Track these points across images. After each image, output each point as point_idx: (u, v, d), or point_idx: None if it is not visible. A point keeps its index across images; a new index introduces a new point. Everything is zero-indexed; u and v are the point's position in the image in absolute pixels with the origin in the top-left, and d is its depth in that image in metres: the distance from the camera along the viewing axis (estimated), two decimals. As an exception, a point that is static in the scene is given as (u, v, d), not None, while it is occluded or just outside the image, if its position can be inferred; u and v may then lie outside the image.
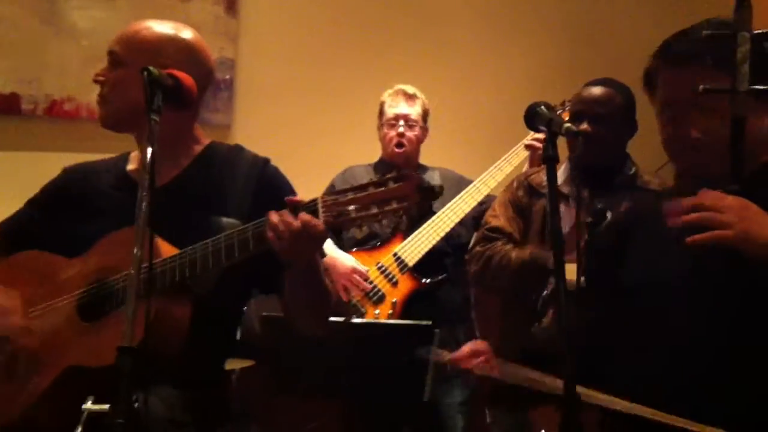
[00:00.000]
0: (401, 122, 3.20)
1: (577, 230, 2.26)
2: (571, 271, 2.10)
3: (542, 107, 1.64)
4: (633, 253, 1.69)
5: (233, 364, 2.79)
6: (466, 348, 1.81)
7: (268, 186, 1.82)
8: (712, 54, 1.53)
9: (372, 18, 4.02)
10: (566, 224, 2.45)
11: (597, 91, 2.60)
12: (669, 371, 1.53)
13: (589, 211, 2.21)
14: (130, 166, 1.91)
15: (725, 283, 1.46)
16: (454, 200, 3.07)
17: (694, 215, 1.36)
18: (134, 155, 1.93)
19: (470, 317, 3.15)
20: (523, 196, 2.70)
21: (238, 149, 1.93)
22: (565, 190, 2.59)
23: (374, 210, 1.51)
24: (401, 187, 1.50)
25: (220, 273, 1.66)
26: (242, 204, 1.77)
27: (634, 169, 2.65)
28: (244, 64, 3.92)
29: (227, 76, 3.90)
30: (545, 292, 2.36)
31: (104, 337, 1.64)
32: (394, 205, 1.50)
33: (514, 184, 2.77)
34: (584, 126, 2.54)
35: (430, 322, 2.56)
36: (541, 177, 2.69)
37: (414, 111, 3.22)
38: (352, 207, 1.53)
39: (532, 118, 1.63)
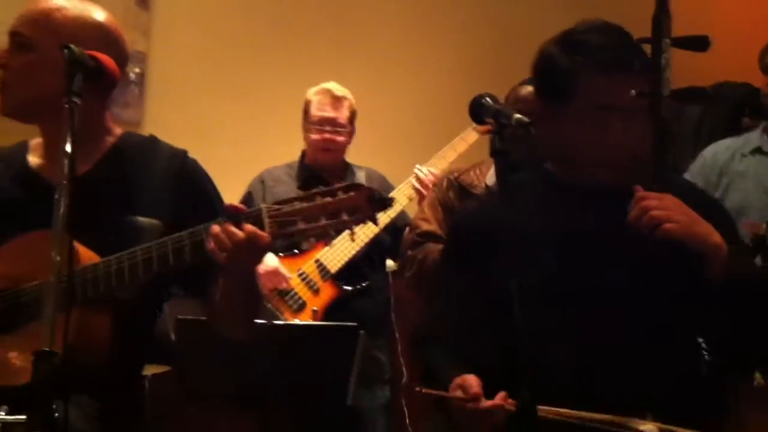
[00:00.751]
0: (327, 126, 3.09)
1: None
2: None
3: (487, 99, 1.58)
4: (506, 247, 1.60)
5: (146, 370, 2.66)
6: (473, 382, 1.60)
7: (189, 181, 1.72)
8: (641, 63, 1.56)
9: (290, 13, 3.93)
10: None
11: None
12: (587, 368, 1.54)
13: None
14: (32, 159, 1.75)
15: (649, 277, 1.53)
16: (379, 206, 2.97)
17: (647, 217, 1.46)
18: (35, 145, 1.77)
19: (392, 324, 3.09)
20: (453, 197, 2.63)
21: (153, 141, 1.82)
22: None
23: (323, 221, 1.42)
24: (351, 197, 1.41)
25: (151, 279, 1.56)
26: (161, 201, 1.66)
27: None
28: (156, 59, 3.78)
29: (138, 71, 3.73)
30: None
31: (16, 351, 1.53)
32: (345, 218, 1.41)
33: (444, 184, 2.69)
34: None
35: (355, 324, 2.49)
36: (471, 177, 2.63)
37: (341, 114, 3.12)
38: (299, 218, 1.43)
39: (478, 110, 1.57)
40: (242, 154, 3.63)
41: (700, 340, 1.55)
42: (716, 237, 1.49)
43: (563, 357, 1.55)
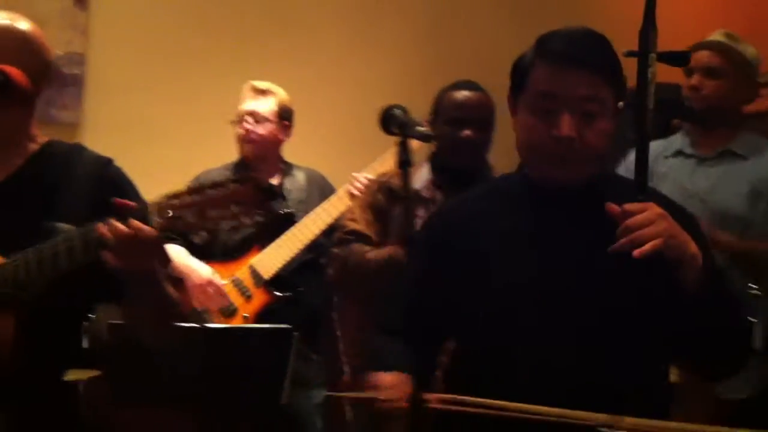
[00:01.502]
0: (248, 118, 3.08)
1: None
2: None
3: (396, 110, 1.63)
4: (471, 251, 1.69)
5: (80, 375, 2.65)
6: (389, 382, 1.65)
7: (109, 188, 1.69)
8: (597, 62, 1.59)
9: (232, 14, 3.88)
10: None
11: (474, 96, 2.61)
12: (543, 369, 1.57)
13: None
14: None
15: (609, 278, 1.55)
16: (316, 210, 2.97)
17: (631, 236, 1.45)
18: None
19: (327, 329, 3.08)
20: (382, 200, 2.67)
21: (79, 149, 1.81)
22: (426, 193, 2.58)
23: (212, 214, 1.44)
24: (239, 189, 1.44)
25: (50, 280, 1.55)
26: (80, 208, 1.65)
27: (491, 173, 2.67)
28: (94, 60, 3.72)
29: (76, 72, 3.69)
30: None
31: None
32: (234, 210, 1.43)
33: (374, 188, 2.73)
34: (468, 132, 2.55)
35: (289, 326, 2.50)
36: (397, 181, 2.67)
37: (262, 106, 3.10)
38: (187, 211, 1.44)
39: (387, 120, 1.62)
40: (182, 155, 3.59)
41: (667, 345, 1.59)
42: (693, 247, 1.50)
43: (525, 354, 1.58)
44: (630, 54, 1.59)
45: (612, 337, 1.56)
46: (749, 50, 2.80)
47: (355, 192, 2.92)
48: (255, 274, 2.93)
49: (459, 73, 3.80)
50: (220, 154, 3.28)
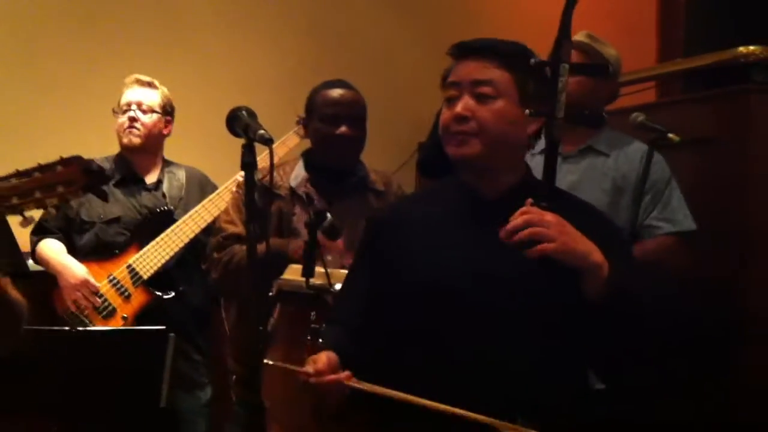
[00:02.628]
0: (134, 107, 3.03)
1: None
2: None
3: (243, 112, 1.68)
4: (403, 255, 1.78)
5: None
6: (323, 359, 1.73)
7: None
8: (495, 52, 1.74)
9: (104, 5, 3.82)
10: (302, 226, 2.48)
11: (347, 94, 2.64)
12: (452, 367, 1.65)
13: (312, 212, 2.25)
14: None
15: (513, 283, 1.65)
16: (196, 208, 2.97)
17: (525, 232, 1.54)
18: None
19: (209, 329, 3.08)
20: (257, 198, 2.67)
21: None
22: (301, 191, 2.62)
23: (38, 195, 1.49)
24: (67, 171, 1.49)
25: None
26: None
27: (365, 172, 2.71)
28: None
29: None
30: (270, 293, 2.36)
31: None
32: (61, 190, 1.49)
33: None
34: (343, 129, 2.58)
35: (164, 327, 2.48)
36: (275, 178, 2.68)
37: (148, 97, 3.07)
38: (14, 193, 1.49)
39: (232, 122, 1.67)
40: (52, 148, 3.49)
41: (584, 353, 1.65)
42: (596, 256, 1.56)
43: (441, 359, 1.66)
44: (539, 64, 1.68)
45: (525, 339, 1.64)
46: (610, 51, 2.93)
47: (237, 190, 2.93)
48: (134, 274, 2.90)
49: (339, 69, 3.85)
50: (93, 147, 3.14)
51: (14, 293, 1.70)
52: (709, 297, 2.98)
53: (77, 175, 1.48)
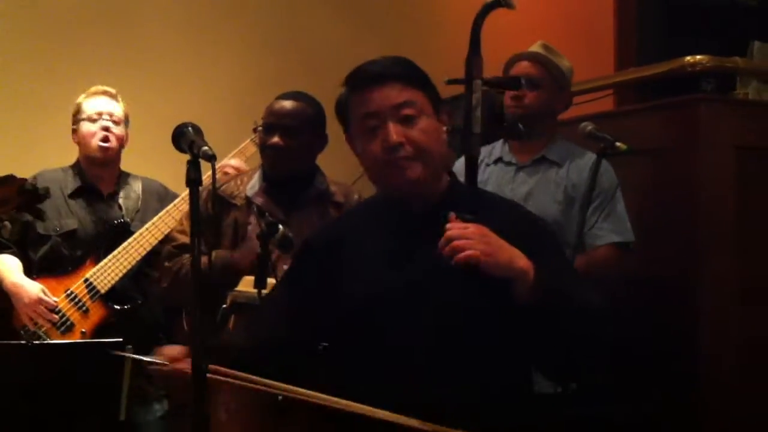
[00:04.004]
0: (105, 116, 3.02)
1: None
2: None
3: (189, 129, 1.71)
4: (332, 269, 1.81)
5: None
6: (175, 348, 1.81)
7: None
8: (400, 74, 1.74)
9: (71, 20, 3.81)
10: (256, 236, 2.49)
11: (288, 104, 2.66)
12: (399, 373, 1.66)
13: (262, 222, 2.28)
14: None
15: (448, 291, 1.66)
16: (153, 220, 2.97)
17: (449, 246, 1.57)
18: None
19: (168, 340, 3.08)
20: (212, 208, 2.68)
21: None
22: (258, 201, 2.63)
23: None
24: (3, 190, 1.50)
25: None
26: None
27: (326, 184, 2.73)
28: None
29: None
30: (224, 306, 2.39)
31: None
32: None
33: (203, 195, 2.74)
34: (275, 139, 2.61)
35: (120, 339, 2.40)
36: (232, 187, 2.72)
37: (117, 109, 3.07)
38: None
39: (177, 138, 1.70)
40: (16, 163, 3.51)
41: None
42: (521, 262, 1.58)
43: (371, 371, 1.68)
44: (453, 82, 1.72)
45: (461, 346, 1.66)
46: (564, 62, 2.99)
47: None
48: (91, 288, 2.89)
49: (298, 79, 3.87)
50: (53, 158, 3.22)
51: None
52: (661, 295, 3.07)
53: (11, 195, 1.49)
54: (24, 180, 1.50)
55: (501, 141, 3.04)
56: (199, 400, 1.50)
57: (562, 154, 2.92)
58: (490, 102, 3.46)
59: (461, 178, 2.79)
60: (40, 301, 2.82)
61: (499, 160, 2.98)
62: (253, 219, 2.61)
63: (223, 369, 1.63)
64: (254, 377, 1.61)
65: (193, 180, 1.60)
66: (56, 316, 2.85)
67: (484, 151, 3.02)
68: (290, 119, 2.63)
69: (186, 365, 1.69)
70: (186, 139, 1.68)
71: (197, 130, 1.72)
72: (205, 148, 1.63)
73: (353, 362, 1.73)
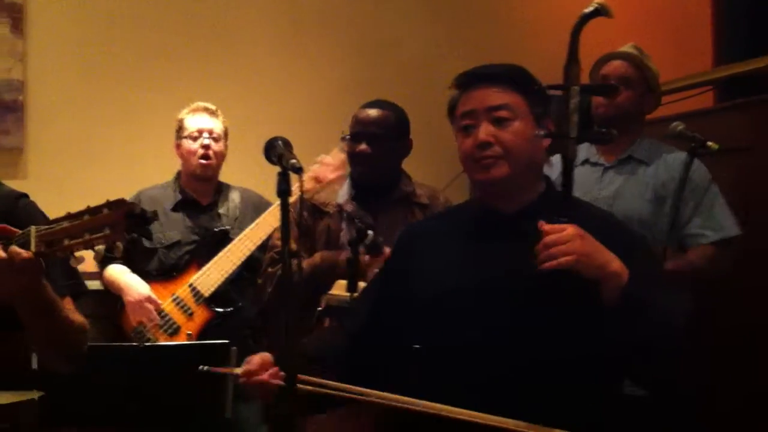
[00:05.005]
0: (205, 134, 3.17)
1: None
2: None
3: (279, 142, 1.81)
4: (419, 268, 1.88)
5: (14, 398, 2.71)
6: (256, 359, 1.88)
7: (18, 222, 1.75)
8: (501, 77, 1.83)
9: (166, 36, 3.99)
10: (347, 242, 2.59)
11: (372, 113, 2.74)
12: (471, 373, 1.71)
13: (352, 228, 2.36)
14: None
15: (527, 293, 1.70)
16: (251, 226, 3.10)
17: (545, 253, 1.60)
18: None
19: (269, 341, 3.20)
20: (307, 217, 2.79)
21: None
22: (348, 208, 2.73)
23: (86, 236, 1.58)
24: (111, 214, 1.58)
25: None
26: None
27: (411, 187, 2.80)
28: (33, 85, 3.81)
29: (17, 98, 3.77)
30: (319, 308, 2.48)
31: None
32: (107, 232, 1.57)
33: (298, 205, 2.85)
34: (362, 147, 2.70)
35: (227, 341, 2.57)
36: (323, 197, 2.83)
37: (217, 125, 3.21)
38: (65, 236, 1.58)
39: (268, 150, 1.80)
40: (121, 173, 3.73)
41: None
42: (615, 265, 1.60)
43: (456, 373, 1.73)
44: (552, 87, 1.78)
45: (544, 349, 1.68)
46: (652, 63, 2.99)
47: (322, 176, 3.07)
48: (195, 292, 3.04)
49: (393, 85, 3.96)
50: (157, 173, 3.39)
51: (76, 316, 1.81)
52: (752, 296, 3.00)
53: (121, 219, 1.57)
54: (133, 204, 1.59)
55: (587, 143, 3.03)
56: (287, 405, 1.57)
57: (650, 153, 2.91)
58: (582, 105, 3.49)
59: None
60: (148, 299, 2.99)
61: (585, 161, 2.98)
62: (344, 226, 2.71)
63: (311, 379, 1.73)
64: (342, 385, 1.70)
65: (283, 191, 1.69)
66: (158, 318, 3.00)
67: (572, 153, 3.04)
68: (375, 127, 2.72)
69: (264, 377, 1.81)
70: (276, 152, 1.78)
71: (286, 144, 1.81)
72: (293, 160, 1.72)
73: (437, 361, 1.78)
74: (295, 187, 1.73)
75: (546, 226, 1.62)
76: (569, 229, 1.61)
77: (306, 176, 2.95)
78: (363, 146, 2.71)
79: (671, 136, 2.75)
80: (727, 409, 3.01)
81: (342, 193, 2.79)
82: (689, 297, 2.65)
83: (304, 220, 2.76)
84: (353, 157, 2.76)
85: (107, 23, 3.91)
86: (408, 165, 2.90)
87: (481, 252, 1.80)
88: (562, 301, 1.65)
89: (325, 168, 3.13)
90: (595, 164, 2.97)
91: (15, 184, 2.01)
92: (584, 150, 3.01)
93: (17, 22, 3.77)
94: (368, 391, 1.72)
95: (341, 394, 1.75)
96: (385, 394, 1.69)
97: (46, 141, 3.81)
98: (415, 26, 4.30)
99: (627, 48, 3.00)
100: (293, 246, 2.70)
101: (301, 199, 1.85)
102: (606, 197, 2.86)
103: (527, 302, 1.70)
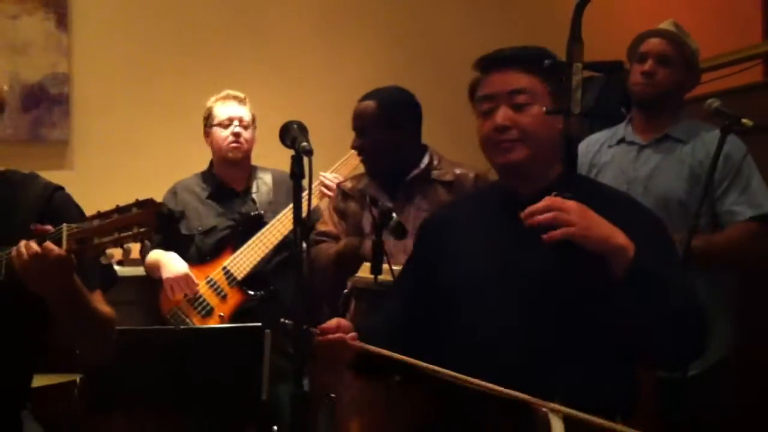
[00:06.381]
0: (236, 122, 3.21)
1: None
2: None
3: (294, 125, 1.82)
4: (443, 255, 1.90)
5: (56, 379, 2.79)
6: (334, 321, 1.88)
7: (54, 214, 1.81)
8: (521, 60, 1.84)
9: (205, 28, 4.07)
10: (367, 225, 2.71)
11: (358, 106, 2.82)
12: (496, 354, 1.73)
13: (376, 211, 2.38)
14: None
15: (546, 274, 1.71)
16: (284, 211, 3.13)
17: (547, 215, 1.61)
18: None
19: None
20: (340, 201, 2.89)
21: (32, 177, 1.95)
22: (367, 190, 2.78)
23: (116, 235, 1.63)
24: (141, 213, 1.62)
25: None
26: (25, 232, 1.74)
27: (426, 162, 2.79)
28: (78, 78, 3.92)
29: (62, 91, 3.88)
30: (345, 290, 2.51)
31: None
32: (136, 231, 1.62)
33: (336, 192, 2.97)
34: (355, 141, 2.79)
35: (259, 324, 2.63)
36: (349, 184, 2.91)
37: (246, 113, 3.26)
38: (95, 234, 1.63)
39: (283, 133, 1.81)
40: (163, 164, 3.80)
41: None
42: (619, 239, 1.60)
43: (480, 350, 1.75)
44: (553, 65, 1.76)
45: (561, 326, 1.70)
46: (692, 41, 2.91)
47: (326, 191, 3.09)
48: (229, 275, 3.09)
49: (430, 72, 3.95)
50: (199, 162, 3.42)
51: (104, 308, 1.85)
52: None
53: (150, 218, 1.62)
54: (161, 204, 1.64)
55: (624, 122, 2.98)
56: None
57: (687, 132, 2.84)
58: (617, 83, 3.43)
59: (585, 160, 2.88)
60: (186, 275, 3.04)
61: (621, 140, 2.92)
62: (366, 210, 2.75)
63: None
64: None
65: (294, 173, 1.70)
66: (197, 290, 3.06)
67: (606, 133, 2.99)
68: (359, 120, 2.79)
69: (341, 335, 1.82)
70: (290, 135, 1.78)
71: (302, 128, 1.82)
72: (304, 143, 1.73)
73: (460, 342, 1.80)
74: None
75: (546, 199, 1.63)
76: (570, 203, 1.62)
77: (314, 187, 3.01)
78: (355, 141, 2.80)
79: (707, 114, 2.68)
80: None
81: (364, 183, 2.86)
82: (722, 277, 2.59)
83: (338, 205, 2.83)
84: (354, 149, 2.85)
85: (149, 17, 4.01)
86: (450, 151, 2.90)
87: (502, 234, 1.81)
88: (580, 280, 1.65)
89: (330, 180, 3.16)
90: (631, 143, 2.91)
91: (61, 176, 2.07)
92: (621, 129, 2.96)
93: (62, 17, 3.88)
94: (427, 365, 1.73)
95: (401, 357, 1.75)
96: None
97: (92, 133, 3.92)
98: (450, 14, 4.29)
99: (665, 25, 2.93)
100: (333, 230, 2.80)
101: (309, 184, 1.87)
102: (642, 177, 2.81)
103: (545, 283, 1.71)
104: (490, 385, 1.65)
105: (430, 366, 1.71)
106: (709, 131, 2.81)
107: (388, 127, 2.77)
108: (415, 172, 2.77)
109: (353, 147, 2.81)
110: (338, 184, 2.90)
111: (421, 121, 2.86)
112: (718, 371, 2.64)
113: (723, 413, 2.65)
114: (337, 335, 1.81)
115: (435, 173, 2.78)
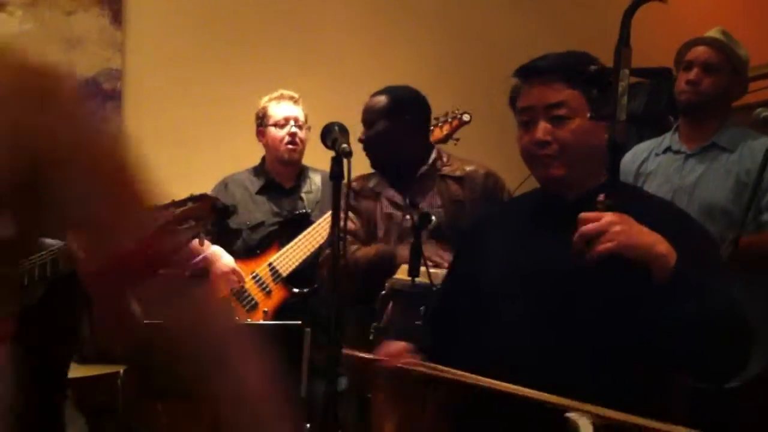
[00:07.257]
0: (292, 122, 3.27)
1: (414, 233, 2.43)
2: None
3: (335, 127, 1.85)
4: (485, 259, 1.90)
5: (99, 370, 2.86)
6: (395, 346, 1.90)
7: None
8: (561, 72, 1.79)
9: (256, 26, 4.12)
10: (396, 226, 2.78)
11: (369, 101, 2.89)
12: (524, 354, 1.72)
13: (415, 214, 2.41)
14: None
15: (575, 278, 1.69)
16: (330, 212, 3.16)
17: (581, 242, 1.60)
18: None
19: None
20: (352, 200, 2.91)
21: None
22: (389, 193, 2.85)
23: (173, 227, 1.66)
24: (198, 207, 1.67)
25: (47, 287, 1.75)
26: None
27: (433, 158, 2.85)
28: (131, 74, 3.99)
29: (115, 86, 3.97)
30: (383, 292, 2.53)
31: None
32: (192, 224, 1.66)
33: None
34: (363, 134, 2.84)
35: (299, 322, 2.67)
36: (360, 184, 2.93)
37: (301, 114, 3.31)
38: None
39: (324, 135, 1.84)
40: (213, 159, 3.85)
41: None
42: (661, 247, 1.58)
43: (521, 345, 1.74)
44: (601, 70, 1.77)
45: (600, 333, 1.67)
46: (741, 49, 2.90)
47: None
48: (274, 271, 3.15)
49: (476, 72, 3.95)
50: (249, 157, 3.50)
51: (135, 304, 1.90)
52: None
53: (207, 211, 1.67)
54: (216, 199, 1.69)
55: (671, 130, 2.98)
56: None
57: (734, 140, 2.82)
58: (664, 90, 3.42)
59: (632, 168, 2.89)
60: (233, 270, 3.11)
61: (668, 149, 2.92)
62: (378, 209, 2.83)
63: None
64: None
65: (335, 175, 1.73)
66: (243, 281, 3.12)
67: (652, 143, 2.99)
68: (368, 114, 2.87)
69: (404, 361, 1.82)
70: (331, 136, 1.81)
71: (343, 129, 1.85)
72: (344, 145, 1.76)
73: (496, 347, 1.79)
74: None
75: (582, 215, 1.61)
76: (606, 216, 1.60)
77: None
78: (362, 134, 2.85)
79: (755, 123, 2.66)
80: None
81: (373, 182, 2.92)
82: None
83: (352, 204, 2.87)
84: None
85: (201, 15, 4.06)
86: (497, 150, 2.93)
87: (543, 239, 1.81)
88: (619, 286, 1.64)
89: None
90: (677, 152, 2.91)
91: (114, 170, 2.09)
92: (668, 138, 2.96)
93: (117, 14, 3.96)
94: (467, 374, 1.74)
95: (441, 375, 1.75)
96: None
97: (143, 128, 3.96)
98: (500, 15, 4.30)
99: (713, 33, 2.92)
100: (354, 227, 2.84)
101: (349, 184, 1.90)
102: (687, 185, 2.80)
103: (583, 288, 1.70)
104: (526, 390, 1.65)
105: (473, 376, 1.71)
106: (756, 139, 2.80)
107: (394, 120, 2.84)
108: (424, 168, 2.83)
109: (360, 140, 2.84)
110: (348, 185, 2.93)
111: (429, 121, 2.95)
112: (759, 384, 2.62)
113: (763, 429, 2.62)
114: (406, 360, 1.81)
115: (445, 169, 2.85)
